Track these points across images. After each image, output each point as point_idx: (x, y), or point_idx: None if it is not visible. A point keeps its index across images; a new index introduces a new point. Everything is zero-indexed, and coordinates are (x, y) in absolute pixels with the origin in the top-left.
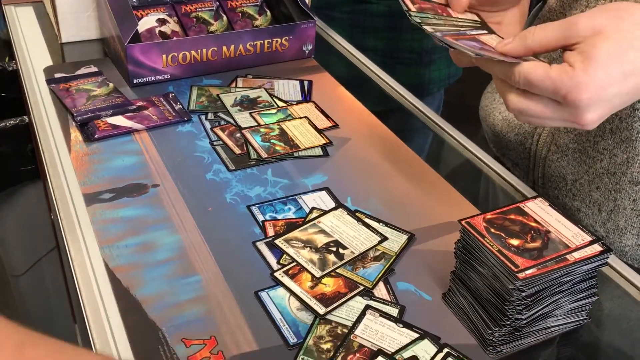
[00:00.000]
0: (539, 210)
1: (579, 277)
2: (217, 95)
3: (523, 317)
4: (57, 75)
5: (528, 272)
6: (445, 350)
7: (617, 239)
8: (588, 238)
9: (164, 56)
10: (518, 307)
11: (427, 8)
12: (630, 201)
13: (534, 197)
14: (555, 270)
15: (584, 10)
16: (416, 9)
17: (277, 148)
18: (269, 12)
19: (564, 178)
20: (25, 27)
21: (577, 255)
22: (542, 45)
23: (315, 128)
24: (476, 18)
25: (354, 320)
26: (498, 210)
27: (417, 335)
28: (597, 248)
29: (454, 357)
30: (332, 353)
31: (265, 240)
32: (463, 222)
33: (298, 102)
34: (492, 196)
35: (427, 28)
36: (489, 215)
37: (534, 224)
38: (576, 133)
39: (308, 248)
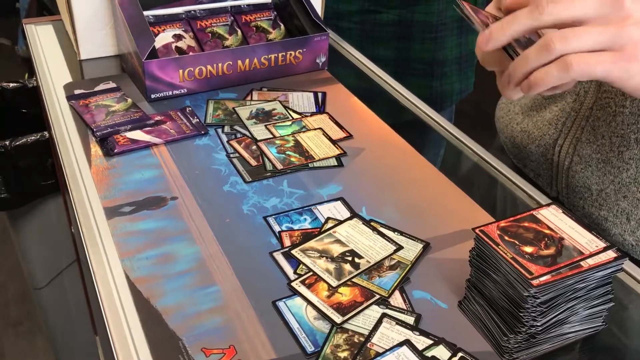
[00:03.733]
0: (553, 217)
1: (593, 283)
2: (233, 108)
3: (538, 324)
4: (76, 92)
5: (542, 279)
6: (460, 354)
7: None
8: (602, 244)
9: (181, 71)
10: (533, 314)
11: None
12: None
13: (548, 205)
14: (570, 277)
15: None
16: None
17: (292, 159)
18: (282, 26)
19: (589, 188)
20: (45, 45)
21: (591, 261)
22: None
23: (330, 139)
24: None
25: (371, 328)
26: (512, 218)
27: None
28: (611, 254)
29: None
30: None
31: (282, 251)
32: (477, 231)
33: (312, 114)
34: (508, 204)
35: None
36: (502, 223)
37: (547, 231)
38: (599, 144)
39: (324, 258)
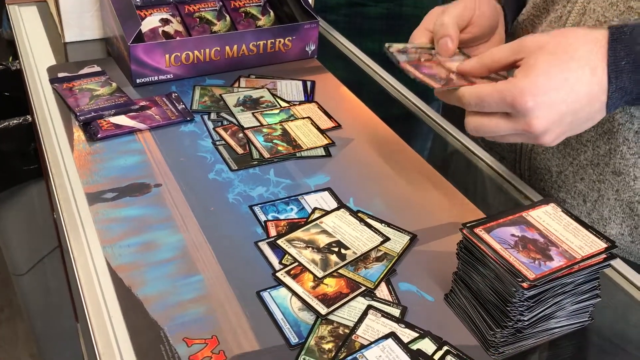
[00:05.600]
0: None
1: (581, 278)
2: (220, 95)
3: (525, 319)
4: (60, 75)
5: (530, 274)
6: (445, 348)
7: (602, 228)
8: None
9: (167, 56)
10: (520, 309)
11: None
12: (613, 191)
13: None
14: (557, 271)
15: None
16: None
17: (280, 148)
18: (272, 12)
19: (549, 170)
20: (28, 27)
21: (581, 263)
22: (495, 61)
23: (318, 128)
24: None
25: (356, 320)
26: (501, 220)
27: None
28: (601, 256)
29: (453, 354)
30: (333, 353)
31: (268, 240)
32: (464, 231)
33: (301, 103)
34: (496, 197)
35: (390, 49)
36: (490, 223)
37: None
38: None
39: (310, 248)
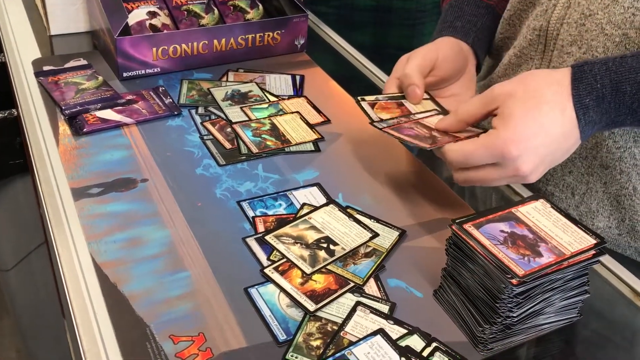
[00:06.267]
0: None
1: (570, 274)
2: (208, 89)
3: (514, 315)
4: (45, 68)
5: (520, 271)
6: (434, 344)
7: (590, 221)
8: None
9: (154, 49)
10: (509, 305)
11: (387, 108)
12: (601, 184)
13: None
14: (546, 268)
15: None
16: (378, 117)
17: (268, 143)
18: (260, 6)
19: None
20: (13, 19)
21: (570, 260)
22: (471, 115)
23: (307, 123)
24: (432, 106)
25: (344, 317)
26: (490, 216)
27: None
28: (590, 252)
29: (442, 351)
30: (321, 350)
31: (256, 236)
32: (453, 227)
33: (290, 97)
34: (486, 193)
35: (362, 103)
36: (479, 219)
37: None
38: None
39: (298, 244)
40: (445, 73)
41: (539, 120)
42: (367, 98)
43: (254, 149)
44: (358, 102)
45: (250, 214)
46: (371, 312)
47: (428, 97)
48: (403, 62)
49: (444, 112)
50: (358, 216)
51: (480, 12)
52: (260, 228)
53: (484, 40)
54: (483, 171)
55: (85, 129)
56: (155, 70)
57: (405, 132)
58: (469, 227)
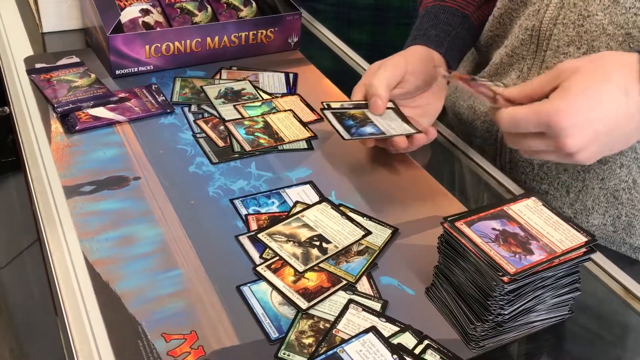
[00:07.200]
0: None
1: (561, 272)
2: (201, 87)
3: (506, 313)
4: (37, 66)
5: (511, 268)
6: (426, 342)
7: (585, 219)
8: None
9: (147, 47)
10: (501, 303)
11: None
12: (598, 180)
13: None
14: (538, 265)
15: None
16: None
17: (261, 141)
18: (254, 4)
19: (531, 163)
20: (5, 16)
21: (562, 257)
22: (536, 90)
23: (300, 121)
24: (395, 116)
25: (337, 314)
26: (482, 214)
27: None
28: (581, 250)
29: (434, 349)
30: (313, 348)
31: (248, 234)
32: (445, 225)
33: (283, 95)
34: (478, 191)
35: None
36: (471, 216)
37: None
38: None
39: (291, 242)
40: (412, 86)
41: (598, 97)
42: (333, 104)
43: (247, 147)
44: (322, 110)
45: (243, 212)
46: (363, 309)
47: (393, 106)
48: (373, 70)
49: (407, 122)
50: (351, 214)
51: (455, 22)
52: (253, 226)
53: (457, 49)
54: (530, 140)
55: (77, 127)
56: (148, 68)
57: (475, 88)
58: (460, 224)
